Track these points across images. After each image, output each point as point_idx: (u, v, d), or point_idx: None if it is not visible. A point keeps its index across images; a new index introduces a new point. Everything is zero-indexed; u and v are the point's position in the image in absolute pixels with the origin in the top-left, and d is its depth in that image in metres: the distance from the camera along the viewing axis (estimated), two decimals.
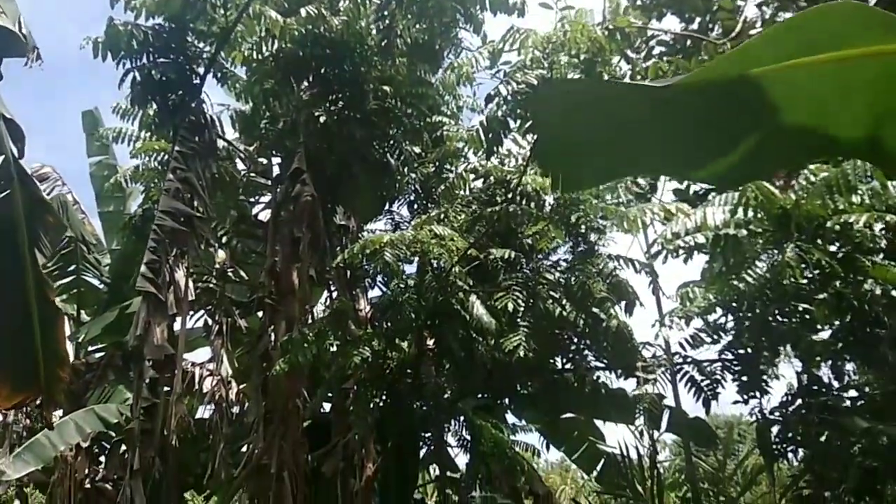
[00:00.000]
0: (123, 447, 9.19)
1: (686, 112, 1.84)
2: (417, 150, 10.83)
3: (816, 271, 5.62)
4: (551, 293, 7.26)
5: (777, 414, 8.22)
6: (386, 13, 8.23)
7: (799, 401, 8.32)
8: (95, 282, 13.24)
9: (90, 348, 13.32)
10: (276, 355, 8.94)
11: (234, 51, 8.92)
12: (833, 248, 5.58)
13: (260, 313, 10.47)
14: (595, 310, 6.94)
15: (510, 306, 7.26)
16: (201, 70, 8.40)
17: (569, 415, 12.17)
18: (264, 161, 11.09)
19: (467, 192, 8.71)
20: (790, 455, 8.86)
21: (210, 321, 10.86)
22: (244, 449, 9.97)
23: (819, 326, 7.39)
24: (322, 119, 8.62)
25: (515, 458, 11.04)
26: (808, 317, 6.11)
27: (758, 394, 7.10)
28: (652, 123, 1.78)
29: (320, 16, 8.16)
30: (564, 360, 8.65)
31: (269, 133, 10.00)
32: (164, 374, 7.70)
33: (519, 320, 7.73)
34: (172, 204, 7.51)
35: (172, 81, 7.96)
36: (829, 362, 8.18)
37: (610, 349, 7.69)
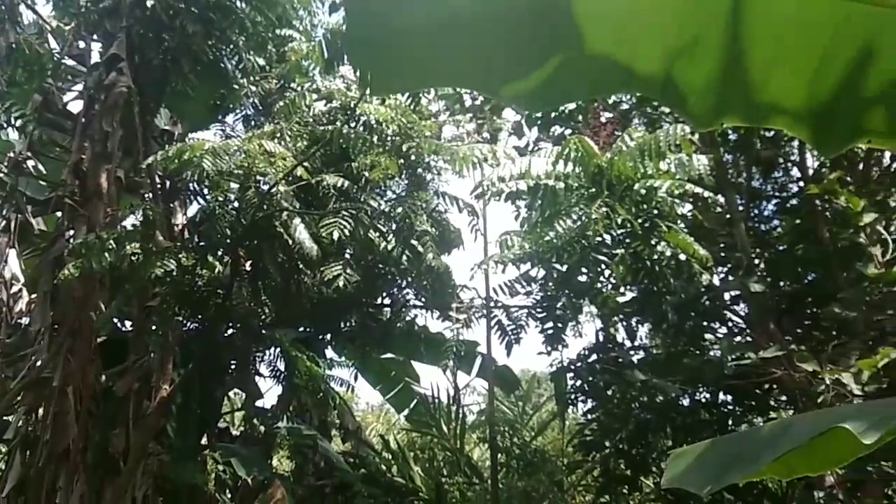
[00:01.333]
0: None
1: (503, 22, 1.65)
2: (261, 62, 10.14)
3: (620, 231, 5.97)
4: (377, 224, 7.14)
5: (572, 366, 8.86)
6: None
7: (594, 356, 9.01)
8: None
9: None
10: (70, 261, 8.09)
11: None
12: (638, 211, 5.93)
13: (59, 214, 9.41)
14: (415, 243, 6.92)
15: (335, 234, 7.05)
16: None
17: (388, 355, 12.35)
18: (81, 45, 9.84)
19: (307, 112, 8.27)
20: (580, 405, 9.63)
21: None
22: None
23: (620, 288, 7.99)
24: (150, 2, 7.71)
25: (329, 392, 11.02)
26: (609, 275, 6.53)
27: (559, 346, 7.54)
28: (472, 30, 1.65)
29: None
30: (384, 297, 8.64)
31: (90, 13, 8.82)
32: None
33: (345, 252, 7.58)
34: None
35: None
36: (624, 322, 8.91)
37: (430, 288, 7.77)
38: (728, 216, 8.78)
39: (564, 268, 6.35)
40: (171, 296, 7.34)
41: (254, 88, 10.25)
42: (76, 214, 8.93)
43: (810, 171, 8.95)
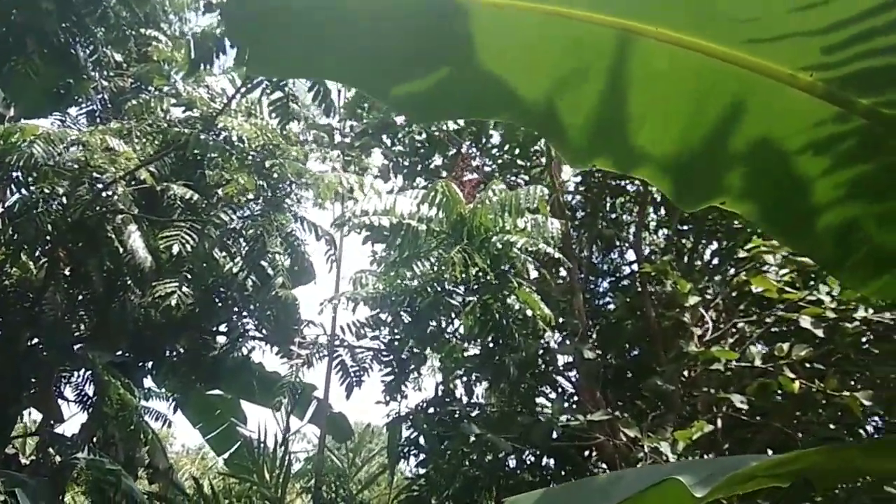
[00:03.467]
0: None
1: (398, 24, 1.58)
2: (118, 57, 9.45)
3: (473, 282, 6.06)
4: (225, 241, 6.70)
5: (409, 417, 8.73)
6: None
7: (431, 408, 8.96)
8: None
9: None
10: None
11: None
12: (493, 263, 6.05)
13: None
14: (265, 264, 6.57)
15: (175, 248, 6.52)
16: None
17: (215, 391, 11.60)
18: None
19: (162, 116, 7.72)
20: (412, 458, 9.48)
21: None
22: None
23: (466, 343, 8.08)
24: None
25: (141, 425, 10.06)
26: (457, 326, 6.57)
27: (398, 396, 7.41)
28: (367, 25, 1.57)
29: None
30: (220, 324, 8.08)
31: None
32: None
33: (184, 269, 7.02)
34: None
35: None
36: (464, 378, 8.99)
37: (273, 319, 7.37)
38: (569, 285, 9.27)
39: (416, 311, 6.28)
40: None
41: (105, 83, 9.49)
42: None
43: (646, 252, 9.71)
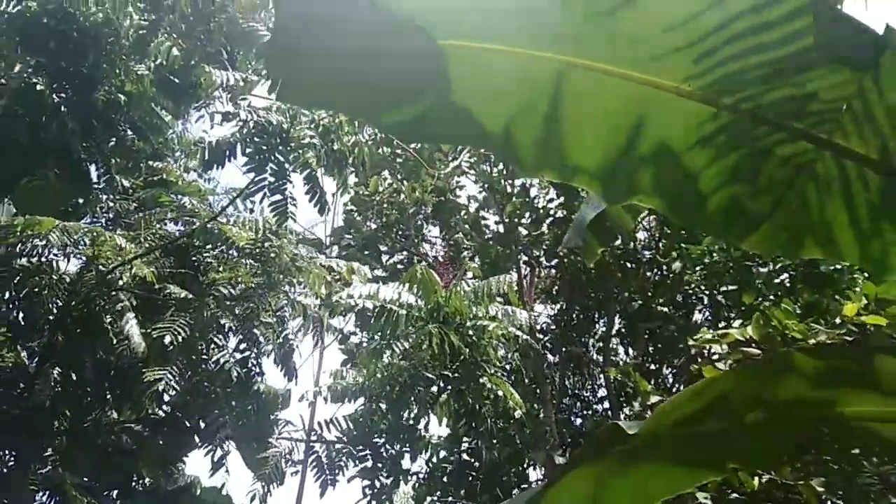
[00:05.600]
0: None
1: (391, 60, 2.21)
2: (127, 183, 10.30)
3: (448, 366, 6.49)
4: (214, 335, 7.12)
5: None
6: (152, 18, 8.19)
7: None
8: None
9: None
10: None
11: None
12: (469, 349, 6.53)
13: None
14: (257, 332, 6.95)
15: (168, 339, 6.92)
16: None
17: None
18: None
19: (165, 227, 8.43)
20: None
21: None
22: None
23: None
24: (39, 87, 7.89)
25: None
26: (431, 417, 6.89)
27: (378, 483, 7.48)
28: (368, 63, 2.13)
29: None
30: (203, 420, 8.19)
31: None
32: None
33: (174, 362, 7.33)
34: None
35: None
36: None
37: (253, 413, 7.57)
38: (541, 398, 9.65)
39: (393, 400, 6.62)
40: None
41: (112, 205, 10.25)
42: None
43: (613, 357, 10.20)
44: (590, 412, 11.26)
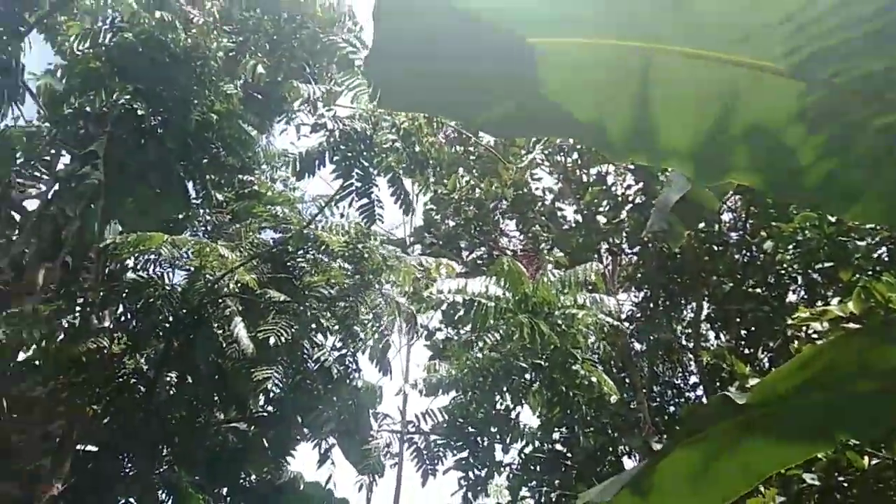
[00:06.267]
0: None
1: (481, 61, 2.34)
2: (220, 197, 10.92)
3: (540, 356, 6.60)
4: (314, 335, 7.52)
5: None
6: (238, 40, 8.69)
7: None
8: None
9: None
10: None
11: (73, 21, 8.73)
12: (559, 338, 6.63)
13: None
14: (357, 329, 7.31)
15: (272, 340, 7.36)
16: (32, 20, 8.08)
17: None
18: (52, 152, 10.41)
19: (259, 236, 8.95)
20: None
21: None
22: None
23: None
24: (140, 112, 8.53)
25: None
26: (524, 403, 7.02)
27: (472, 475, 7.69)
28: (460, 67, 2.29)
29: (172, 25, 8.43)
30: (303, 418, 8.64)
31: (71, 121, 9.54)
32: None
33: (278, 361, 7.79)
34: None
35: None
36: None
37: (353, 408, 7.93)
38: (632, 385, 9.61)
39: (485, 390, 6.80)
40: (93, 379, 7.23)
41: (209, 218, 10.90)
42: (5, 304, 8.83)
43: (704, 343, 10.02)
44: (682, 399, 11.09)
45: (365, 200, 7.24)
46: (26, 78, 9.14)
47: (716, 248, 10.82)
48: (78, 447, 8.84)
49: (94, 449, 9.41)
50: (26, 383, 8.05)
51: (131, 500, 9.70)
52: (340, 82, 7.57)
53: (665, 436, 9.25)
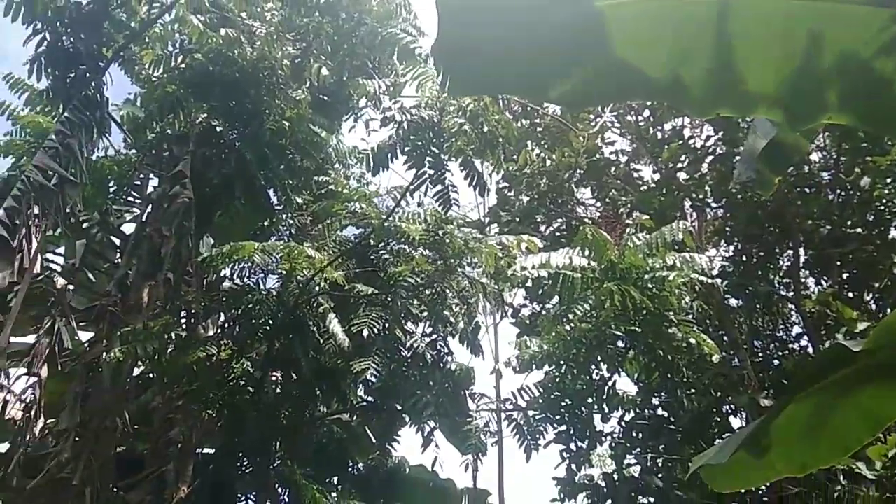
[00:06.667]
0: None
1: (549, 38, 2.14)
2: (300, 200, 11.28)
3: (633, 322, 6.49)
4: (405, 323, 7.69)
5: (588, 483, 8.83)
6: (302, 46, 8.92)
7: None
8: None
9: None
10: (105, 367, 8.53)
11: (146, 50, 9.20)
12: (651, 302, 6.50)
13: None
14: (446, 314, 7.44)
15: (365, 333, 7.59)
16: (109, 54, 8.57)
17: None
18: (142, 176, 11.03)
19: (341, 233, 9.23)
20: None
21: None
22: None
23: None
24: (219, 129, 8.93)
25: None
26: (620, 370, 6.94)
27: (573, 447, 7.69)
28: (527, 47, 1.99)
29: (238, 40, 8.73)
30: (402, 405, 8.88)
31: (155, 145, 10.08)
32: None
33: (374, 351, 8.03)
34: (47, 161, 7.34)
35: (79, 54, 8.04)
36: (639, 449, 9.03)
37: (449, 390, 8.08)
38: (732, 342, 9.31)
39: (580, 361, 6.76)
40: (205, 385, 7.68)
41: (291, 221, 11.28)
42: (116, 323, 9.47)
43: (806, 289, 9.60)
44: (787, 352, 10.64)
45: (439, 187, 7.31)
46: (110, 109, 9.70)
47: (808, 190, 10.28)
48: (198, 451, 9.46)
49: (213, 451, 10.04)
50: (145, 396, 8.64)
51: (251, 496, 10.30)
52: (403, 73, 7.64)
53: (772, 391, 8.92)
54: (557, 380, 7.31)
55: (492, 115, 6.94)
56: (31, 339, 10.22)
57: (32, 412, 9.37)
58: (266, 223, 10.99)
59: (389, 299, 7.99)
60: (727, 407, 9.08)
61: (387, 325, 7.66)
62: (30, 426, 9.39)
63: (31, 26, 7.77)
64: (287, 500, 10.65)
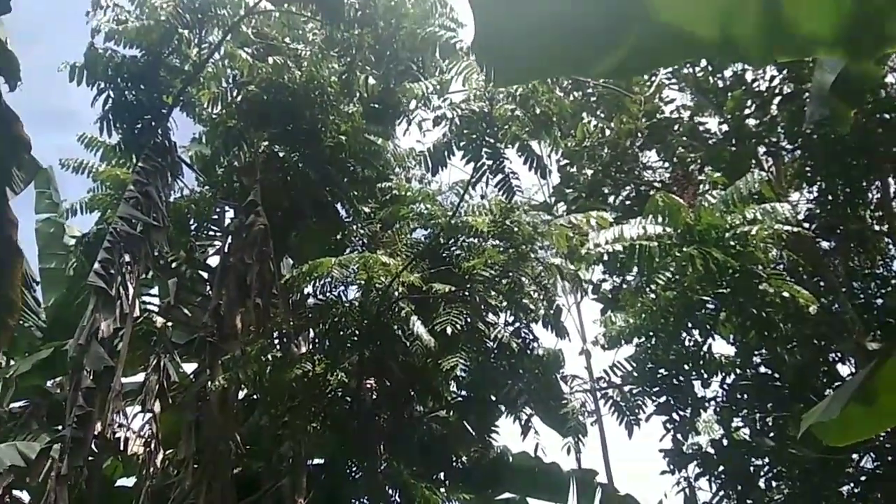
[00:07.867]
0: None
1: (587, 14, 2.31)
2: (367, 209, 11.51)
3: (719, 285, 6.30)
4: (487, 299, 7.75)
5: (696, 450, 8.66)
6: (347, 61, 9.11)
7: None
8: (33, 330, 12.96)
9: (14, 404, 12.80)
10: (212, 394, 9.01)
11: (203, 90, 9.62)
12: (735, 261, 6.29)
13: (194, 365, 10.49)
14: (526, 302, 7.45)
15: (449, 330, 7.68)
16: (170, 101, 9.03)
17: (505, 495, 12.24)
18: (218, 210, 11.55)
19: (411, 236, 9.38)
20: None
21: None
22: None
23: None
24: (282, 154, 9.24)
25: None
26: (714, 334, 6.75)
27: (676, 416, 7.55)
28: (566, 25, 2.20)
29: (285, 65, 9.00)
30: (496, 395, 8.95)
31: (226, 178, 10.53)
32: (101, 386, 7.63)
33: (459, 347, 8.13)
34: (130, 211, 7.81)
35: (143, 105, 8.51)
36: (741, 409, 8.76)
37: (540, 376, 8.09)
38: (828, 286, 8.88)
39: (669, 329, 6.62)
40: (306, 400, 7.99)
41: (362, 231, 11.52)
42: (216, 351, 9.97)
43: None
44: (889, 288, 10.04)
45: (500, 176, 7.32)
46: (179, 152, 10.20)
47: (888, 115, 9.67)
48: (308, 462, 9.85)
49: (322, 461, 10.43)
50: (252, 417, 9.05)
51: (364, 500, 10.62)
52: (448, 69, 7.69)
53: (879, 332, 8.48)
54: (649, 351, 7.19)
55: (542, 95, 6.87)
56: (140, 377, 10.93)
57: (152, 446, 10.00)
58: (339, 237, 11.28)
59: (467, 294, 8.07)
60: (833, 355, 8.69)
61: (468, 319, 7.73)
62: (151, 459, 10.02)
63: (94, 87, 8.26)
64: (399, 500, 10.94)
